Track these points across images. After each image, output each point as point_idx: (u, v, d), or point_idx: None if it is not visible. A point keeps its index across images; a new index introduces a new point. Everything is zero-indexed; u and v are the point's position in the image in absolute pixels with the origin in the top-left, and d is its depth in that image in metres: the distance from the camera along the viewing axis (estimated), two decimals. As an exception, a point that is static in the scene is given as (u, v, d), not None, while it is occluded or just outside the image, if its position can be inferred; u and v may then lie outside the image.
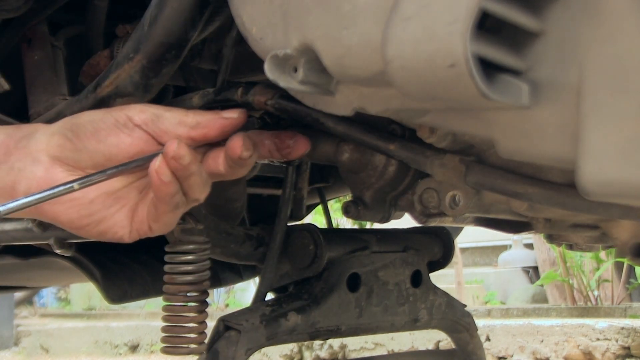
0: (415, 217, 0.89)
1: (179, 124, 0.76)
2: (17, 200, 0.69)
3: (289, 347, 4.40)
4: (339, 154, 0.87)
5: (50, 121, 0.97)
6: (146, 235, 0.77)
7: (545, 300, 5.62)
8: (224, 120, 0.76)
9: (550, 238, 0.96)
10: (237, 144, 0.74)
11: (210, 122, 0.76)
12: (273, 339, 0.98)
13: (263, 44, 0.71)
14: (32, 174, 0.73)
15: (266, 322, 0.97)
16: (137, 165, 0.75)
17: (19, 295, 6.88)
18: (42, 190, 0.70)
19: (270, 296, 1.04)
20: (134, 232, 0.77)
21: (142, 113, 0.76)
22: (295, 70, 0.66)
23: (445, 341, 3.63)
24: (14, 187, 0.73)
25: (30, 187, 0.72)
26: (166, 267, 0.91)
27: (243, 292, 7.05)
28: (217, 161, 0.77)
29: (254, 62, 1.04)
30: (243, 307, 1.03)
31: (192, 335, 0.91)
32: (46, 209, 0.73)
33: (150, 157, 0.73)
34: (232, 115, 0.77)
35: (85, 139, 0.74)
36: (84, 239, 1.06)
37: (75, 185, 0.71)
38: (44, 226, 1.07)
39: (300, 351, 4.39)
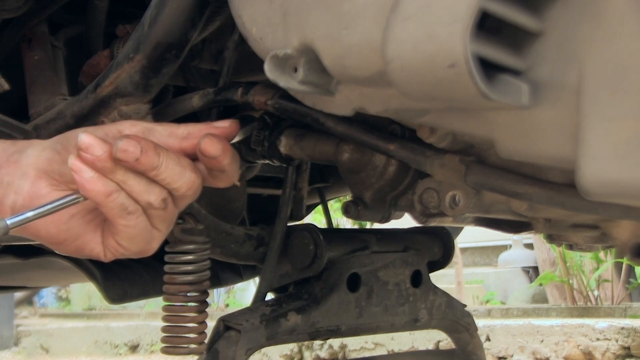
0: (415, 217, 0.89)
1: (170, 135, 0.75)
2: (22, 214, 0.69)
3: (289, 347, 4.40)
4: (339, 154, 0.87)
5: (50, 121, 0.97)
6: (123, 255, 0.74)
7: (545, 300, 5.62)
8: (215, 130, 0.76)
9: (550, 238, 0.96)
10: (207, 144, 0.73)
11: (201, 133, 0.75)
12: (273, 339, 0.98)
13: (263, 44, 0.71)
14: (19, 188, 0.72)
15: (266, 322, 0.97)
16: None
17: (19, 295, 6.88)
18: (48, 202, 0.70)
19: (270, 296, 1.04)
20: (107, 250, 0.74)
21: (133, 127, 0.76)
22: (295, 70, 0.66)
23: (445, 341, 3.63)
24: (2, 201, 0.73)
25: (17, 201, 0.72)
26: (166, 267, 0.91)
27: (243, 292, 7.05)
28: (203, 169, 0.76)
29: (254, 62, 1.04)
30: (243, 307, 1.03)
31: (192, 335, 0.91)
32: (29, 224, 0.73)
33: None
34: (224, 125, 0.77)
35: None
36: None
37: (61, 201, 0.70)
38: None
39: (300, 351, 4.39)
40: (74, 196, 0.71)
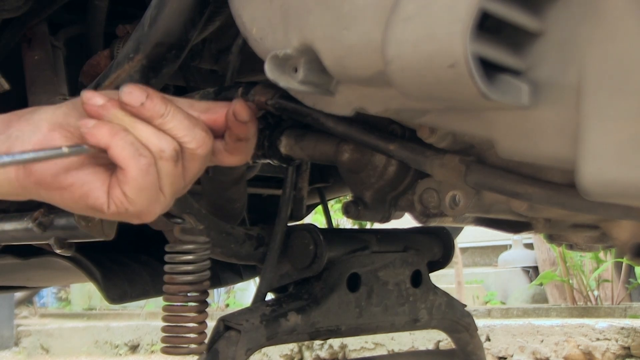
0: (415, 217, 0.89)
1: (190, 107, 0.76)
2: (7, 156, 0.68)
3: (289, 347, 4.40)
4: (339, 154, 0.87)
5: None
6: (125, 212, 0.73)
7: (545, 300, 5.62)
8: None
9: (550, 238, 0.96)
10: (240, 106, 0.75)
11: (220, 109, 0.76)
12: (273, 339, 0.98)
13: (263, 44, 0.71)
14: (28, 139, 0.72)
15: (266, 322, 0.97)
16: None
17: (19, 295, 6.89)
18: (48, 148, 0.70)
19: (270, 296, 1.04)
20: (112, 201, 0.72)
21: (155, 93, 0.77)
22: (295, 70, 0.66)
23: (445, 341, 3.63)
24: (7, 152, 0.71)
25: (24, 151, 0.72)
26: (166, 267, 0.91)
27: (243, 292, 7.05)
28: (219, 144, 0.77)
29: (255, 62, 1.04)
30: (243, 307, 1.03)
31: (192, 335, 0.91)
32: (36, 167, 0.72)
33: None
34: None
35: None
36: (84, 239, 1.06)
37: (65, 149, 0.70)
38: (44, 226, 1.07)
39: (300, 351, 4.39)
40: (82, 146, 0.70)
